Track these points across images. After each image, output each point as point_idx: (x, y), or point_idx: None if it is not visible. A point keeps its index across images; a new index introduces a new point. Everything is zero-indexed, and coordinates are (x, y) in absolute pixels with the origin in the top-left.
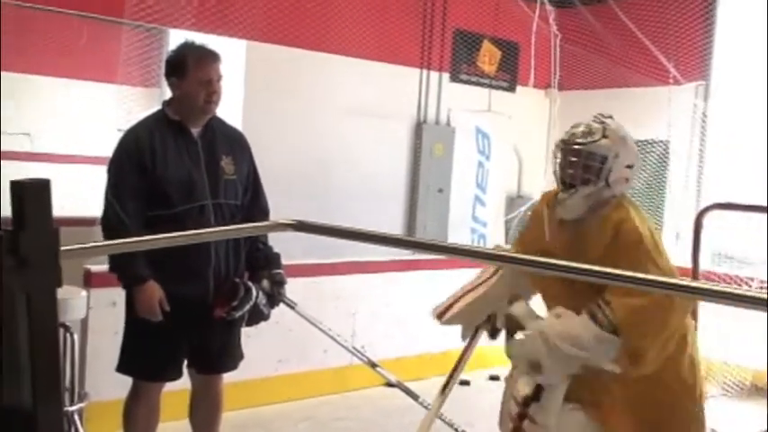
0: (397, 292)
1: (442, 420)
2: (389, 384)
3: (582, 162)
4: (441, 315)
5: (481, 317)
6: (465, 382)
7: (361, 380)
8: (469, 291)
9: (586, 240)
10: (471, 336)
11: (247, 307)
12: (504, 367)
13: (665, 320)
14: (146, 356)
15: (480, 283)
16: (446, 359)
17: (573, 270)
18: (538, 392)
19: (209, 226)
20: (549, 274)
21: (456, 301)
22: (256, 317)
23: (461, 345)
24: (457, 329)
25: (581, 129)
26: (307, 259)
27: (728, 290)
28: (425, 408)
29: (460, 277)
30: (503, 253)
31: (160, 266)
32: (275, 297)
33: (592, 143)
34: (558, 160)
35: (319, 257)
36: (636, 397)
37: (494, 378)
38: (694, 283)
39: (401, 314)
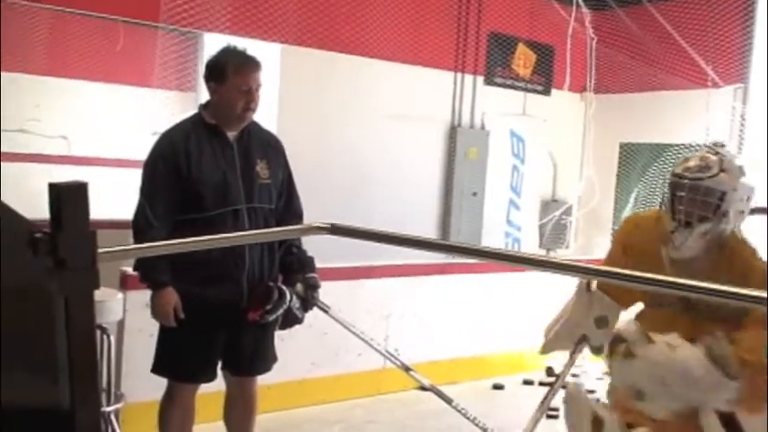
0: (430, 296)
1: (476, 424)
2: (423, 388)
3: (700, 199)
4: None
5: (570, 343)
6: (499, 386)
7: (394, 383)
8: (561, 317)
9: (704, 278)
10: (573, 350)
11: (281, 311)
12: (538, 371)
13: None
14: (180, 358)
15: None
16: (478, 363)
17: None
18: None
19: (244, 230)
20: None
21: (551, 328)
22: (290, 320)
23: (495, 350)
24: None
25: (696, 162)
26: (340, 263)
27: None
28: (459, 411)
29: (494, 281)
30: (535, 256)
31: (194, 269)
32: (309, 301)
33: (709, 178)
34: (671, 196)
35: (353, 261)
36: None
37: (528, 383)
38: None
39: (434, 318)
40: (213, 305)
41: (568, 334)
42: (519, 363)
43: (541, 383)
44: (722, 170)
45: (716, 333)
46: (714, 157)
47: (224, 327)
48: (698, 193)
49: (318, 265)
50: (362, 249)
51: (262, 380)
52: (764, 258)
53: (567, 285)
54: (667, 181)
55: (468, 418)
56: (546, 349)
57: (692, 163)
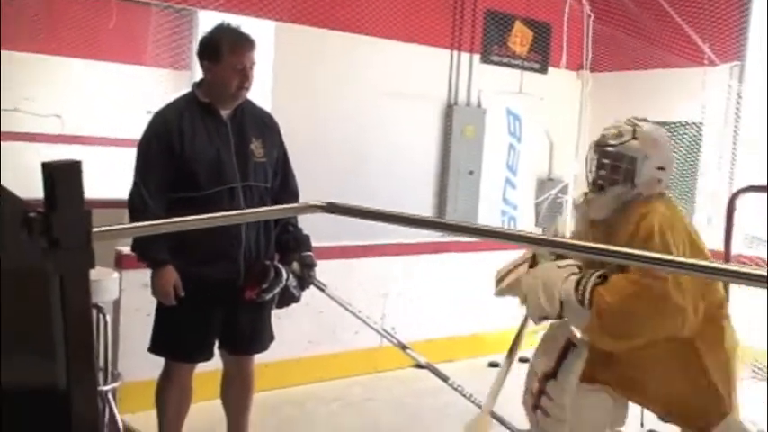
0: (426, 275)
1: (472, 401)
2: (419, 366)
3: (611, 164)
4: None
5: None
6: (495, 364)
7: (391, 361)
8: (519, 264)
9: (613, 239)
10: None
11: (277, 289)
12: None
13: (651, 314)
14: (177, 338)
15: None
16: (475, 341)
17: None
18: (556, 370)
19: (240, 209)
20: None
21: (507, 273)
22: (287, 299)
23: (491, 328)
24: (488, 315)
25: (612, 131)
26: (337, 241)
27: (729, 267)
28: (455, 389)
29: (490, 259)
30: (531, 234)
31: (190, 248)
32: (305, 279)
33: (620, 145)
34: (590, 161)
35: (349, 240)
36: (666, 375)
37: (523, 360)
38: (691, 261)
39: (431, 296)
40: (210, 284)
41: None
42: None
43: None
44: (634, 138)
45: (601, 270)
46: (628, 127)
47: (221, 305)
48: (608, 157)
49: (314, 244)
50: (359, 228)
51: (259, 358)
52: (656, 219)
53: None
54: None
55: (464, 396)
56: (501, 293)
57: (607, 132)
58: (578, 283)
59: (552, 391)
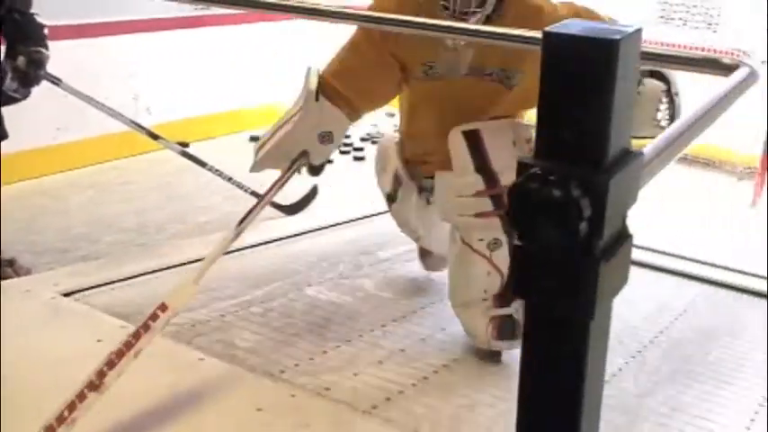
0: (179, 51)
1: (232, 184)
2: (182, 143)
3: None
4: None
5: (286, 160)
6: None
7: (149, 143)
8: (278, 129)
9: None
10: (286, 169)
11: None
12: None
13: None
14: None
15: (287, 120)
16: (234, 118)
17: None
18: (394, 194)
19: None
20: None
21: (265, 143)
22: (5, 100)
23: (249, 104)
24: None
25: None
26: (79, 19)
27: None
28: (213, 173)
29: (251, 32)
30: (313, 6)
31: None
32: (30, 77)
33: None
34: None
35: (89, 17)
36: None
37: (254, 139)
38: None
39: (186, 74)
40: None
41: (286, 151)
42: (275, 115)
43: None
44: None
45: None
46: None
47: None
48: None
49: (49, 22)
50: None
51: (3, 150)
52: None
53: (333, 37)
54: None
55: (222, 178)
56: (257, 167)
57: None
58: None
59: (396, 216)
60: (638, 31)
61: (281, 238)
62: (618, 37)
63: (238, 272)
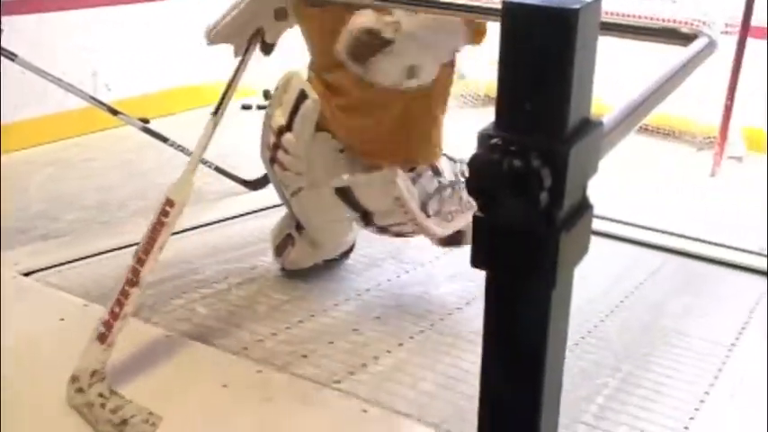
0: (141, 26)
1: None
2: (143, 120)
3: None
4: (209, 35)
5: (241, 38)
6: (247, 107)
7: (108, 120)
8: (233, 9)
9: None
10: (244, 51)
11: None
12: (255, 97)
13: None
14: None
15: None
16: (195, 92)
17: None
18: (290, 123)
19: None
20: None
21: (222, 19)
22: None
23: (209, 78)
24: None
25: None
26: None
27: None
28: (176, 149)
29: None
30: None
31: None
32: None
33: None
34: None
35: None
36: (398, 123)
37: (246, 107)
38: None
39: (146, 48)
40: None
41: (242, 25)
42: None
43: (259, 107)
44: None
45: None
46: None
47: None
48: None
49: None
50: None
51: None
52: None
53: None
54: None
55: (184, 153)
56: (214, 39)
57: None
58: None
59: (288, 145)
60: (598, 1)
61: (244, 214)
62: (577, 6)
63: (202, 247)
